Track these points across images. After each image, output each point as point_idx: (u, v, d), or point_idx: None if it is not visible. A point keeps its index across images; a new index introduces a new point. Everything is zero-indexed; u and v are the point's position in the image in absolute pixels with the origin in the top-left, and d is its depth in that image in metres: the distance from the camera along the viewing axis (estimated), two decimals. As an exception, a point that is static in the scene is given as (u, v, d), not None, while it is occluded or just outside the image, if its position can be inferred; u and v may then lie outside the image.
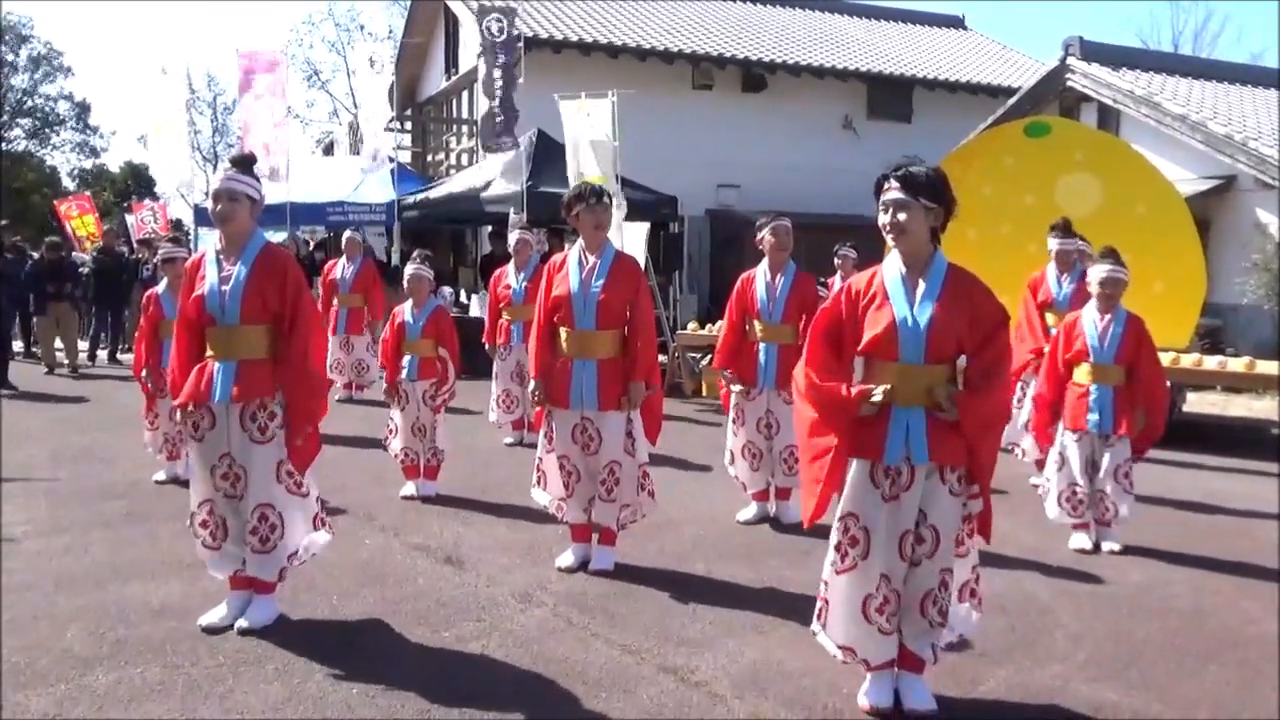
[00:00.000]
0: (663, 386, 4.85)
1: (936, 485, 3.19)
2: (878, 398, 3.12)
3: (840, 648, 3.27)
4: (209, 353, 3.86)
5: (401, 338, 6.16)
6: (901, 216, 3.14)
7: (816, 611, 3.33)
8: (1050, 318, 6.60)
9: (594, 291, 4.54)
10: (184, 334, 3.92)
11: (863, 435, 3.17)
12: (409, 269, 6.31)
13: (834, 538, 3.26)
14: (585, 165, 10.89)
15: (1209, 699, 3.47)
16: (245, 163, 3.98)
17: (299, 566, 4.07)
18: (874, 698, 3.25)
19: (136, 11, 62.72)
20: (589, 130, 11.01)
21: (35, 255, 13.31)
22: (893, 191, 3.15)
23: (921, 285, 3.19)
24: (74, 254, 15.66)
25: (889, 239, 3.21)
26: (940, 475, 3.19)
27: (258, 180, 3.96)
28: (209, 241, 4.35)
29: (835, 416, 3.19)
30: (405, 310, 6.22)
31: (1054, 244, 6.61)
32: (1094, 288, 5.25)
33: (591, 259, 4.60)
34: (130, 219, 21.03)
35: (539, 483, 4.76)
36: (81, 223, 21.02)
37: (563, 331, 4.62)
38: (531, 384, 4.71)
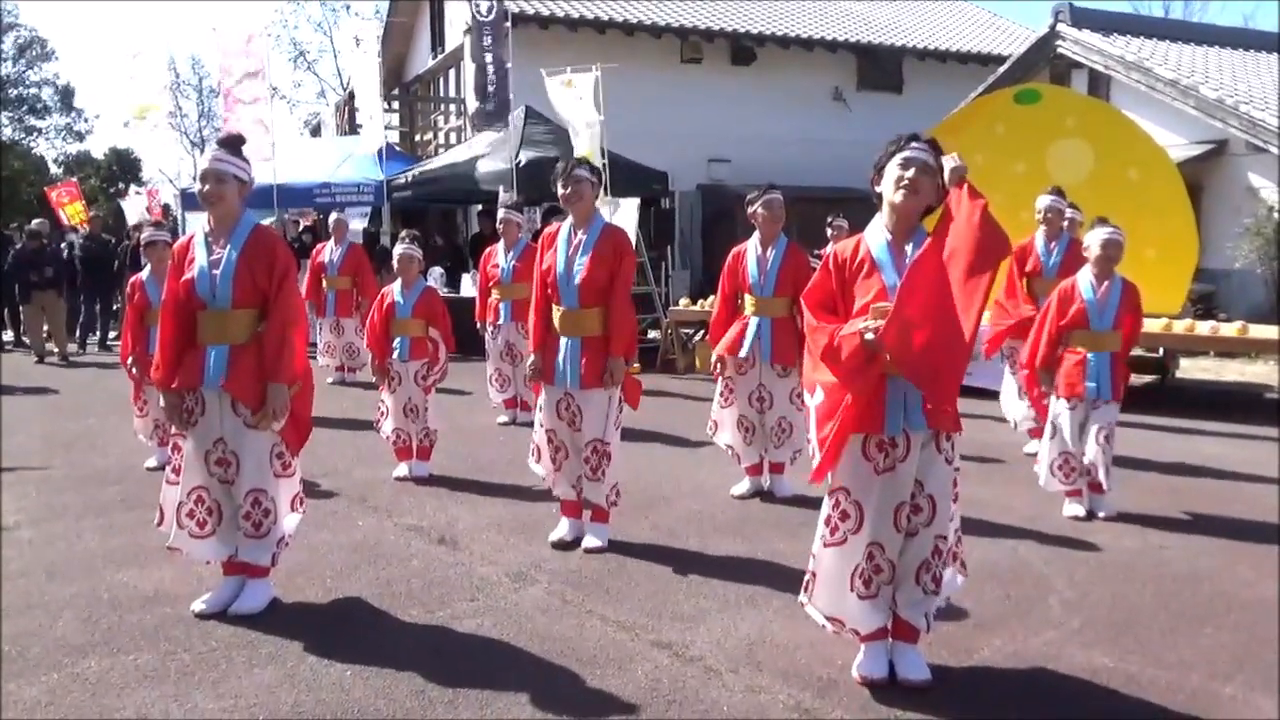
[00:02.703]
0: (656, 362, 4.83)
1: (933, 455, 3.17)
2: (869, 332, 3.03)
3: (829, 619, 3.27)
4: (200, 336, 3.81)
5: (391, 318, 6.12)
6: (923, 178, 3.11)
7: (804, 583, 3.33)
8: (1038, 287, 6.56)
9: (577, 269, 4.52)
10: (170, 318, 3.85)
11: (861, 409, 3.12)
12: (398, 249, 6.27)
13: (824, 511, 3.25)
14: (573, 138, 10.82)
15: (1204, 662, 3.47)
16: (233, 143, 3.92)
17: (286, 550, 4.05)
18: (869, 669, 3.24)
19: (119, -5, 62.05)
20: (575, 105, 10.93)
21: (19, 245, 13.20)
22: (920, 152, 3.12)
23: (909, 253, 3.16)
24: (67, 238, 15.60)
25: (898, 196, 3.12)
26: (936, 444, 3.17)
27: (246, 162, 3.90)
28: (195, 226, 4.28)
29: (851, 360, 3.09)
30: (394, 291, 6.18)
31: (1046, 199, 6.54)
32: (1094, 250, 5.19)
33: (579, 235, 4.58)
34: (124, 204, 20.95)
35: (534, 455, 4.78)
36: (73, 209, 20.96)
37: (554, 309, 4.62)
38: (531, 358, 4.70)
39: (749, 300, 5.55)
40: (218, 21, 16.78)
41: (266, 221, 12.18)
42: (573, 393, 4.55)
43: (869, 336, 3.01)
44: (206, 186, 3.77)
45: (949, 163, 3.09)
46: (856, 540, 3.18)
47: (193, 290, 3.77)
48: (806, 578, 3.32)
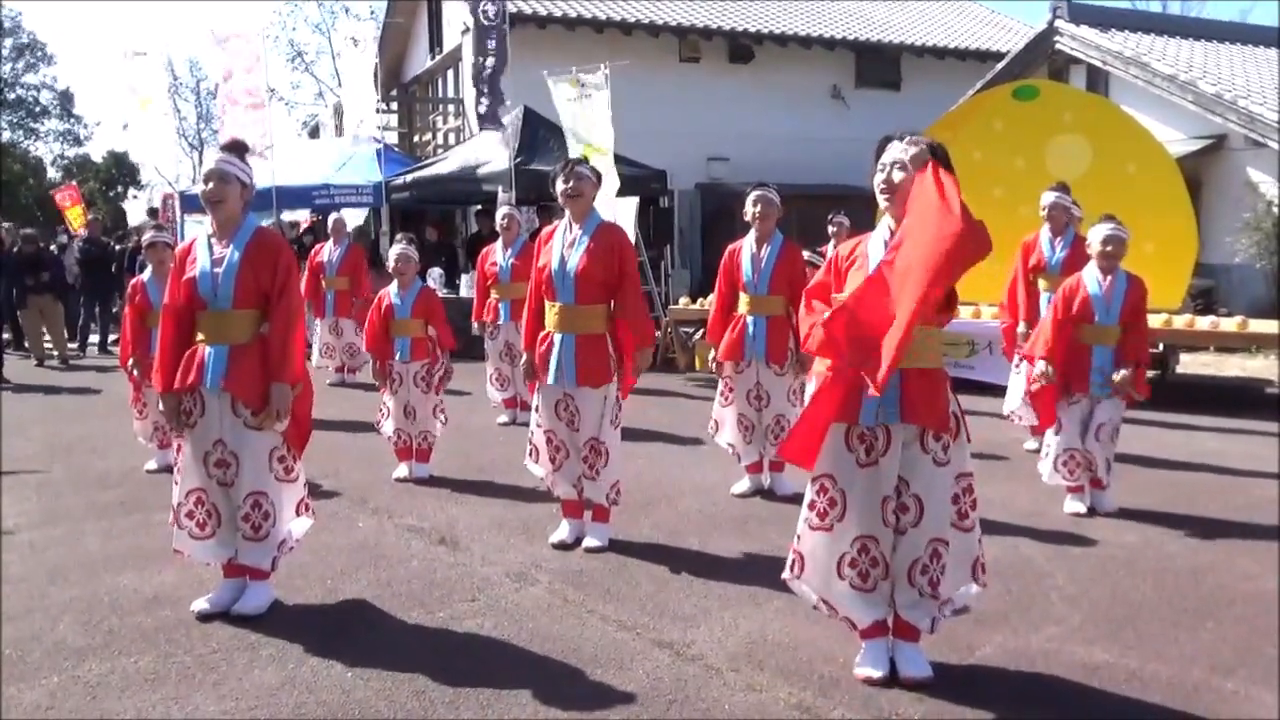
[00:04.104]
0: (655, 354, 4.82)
1: (918, 454, 3.16)
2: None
3: (821, 600, 3.28)
4: (199, 337, 3.80)
5: (390, 320, 6.12)
6: (899, 174, 3.11)
7: (790, 562, 3.33)
8: (1042, 282, 6.56)
9: (573, 264, 4.49)
10: (170, 319, 3.84)
11: (841, 397, 3.14)
12: (395, 249, 6.26)
13: (808, 496, 3.27)
14: (583, 139, 10.81)
15: (1205, 656, 3.47)
16: (236, 148, 3.94)
17: (289, 553, 4.04)
18: (870, 666, 3.24)
19: (117, -2, 61.93)
20: (582, 105, 10.91)
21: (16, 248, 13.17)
22: (896, 151, 3.13)
23: None
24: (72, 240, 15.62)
25: (883, 199, 3.17)
26: (921, 443, 3.16)
27: (249, 166, 3.92)
28: (193, 229, 4.28)
29: (822, 350, 3.13)
30: (391, 292, 6.17)
31: (1050, 195, 6.53)
32: (1095, 247, 5.21)
33: (575, 231, 4.56)
34: (126, 206, 21.01)
35: (532, 455, 4.75)
36: (74, 213, 21.06)
37: (548, 305, 4.60)
38: (525, 356, 4.71)
39: (744, 298, 5.54)
40: (215, 23, 16.77)
41: (265, 224, 12.18)
42: (571, 392, 4.54)
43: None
44: (209, 186, 3.78)
45: (910, 150, 3.03)
46: (842, 529, 3.19)
47: (194, 289, 3.77)
48: (792, 557, 3.32)
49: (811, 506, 3.25)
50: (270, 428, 3.80)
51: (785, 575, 3.35)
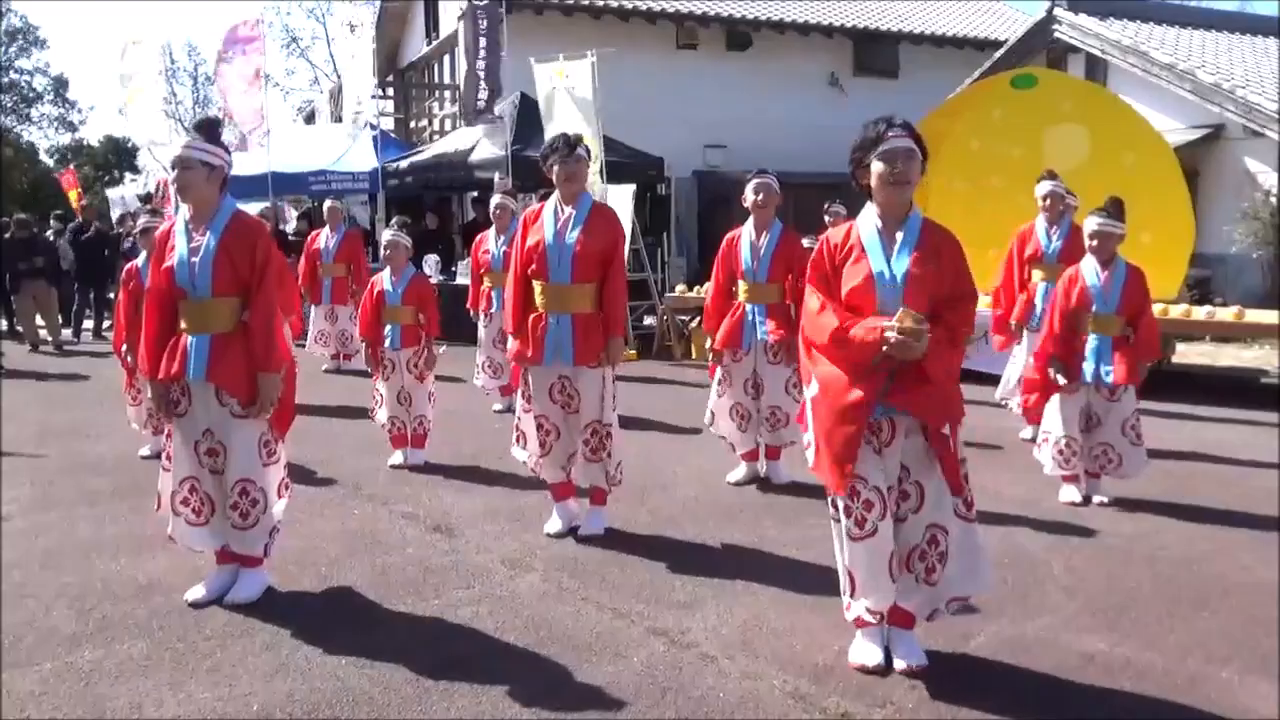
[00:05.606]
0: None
1: (918, 442, 3.15)
2: (891, 333, 2.96)
3: (871, 612, 3.22)
4: (182, 325, 3.77)
5: (382, 306, 6.09)
6: (910, 166, 3.08)
7: (843, 589, 3.24)
8: (1038, 272, 6.55)
9: (569, 243, 4.44)
10: (154, 307, 3.81)
11: (864, 402, 3.08)
12: (386, 235, 6.23)
13: (841, 503, 3.15)
14: (564, 127, 10.76)
15: (1201, 646, 3.46)
16: (206, 128, 3.86)
17: (277, 538, 4.01)
18: (865, 655, 3.23)
19: (111, -18, 61.58)
20: (568, 92, 10.86)
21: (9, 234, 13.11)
22: (902, 140, 3.08)
23: (899, 238, 3.14)
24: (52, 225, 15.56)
25: (890, 190, 3.10)
26: (923, 431, 3.14)
27: (223, 148, 3.82)
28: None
29: (866, 352, 3.03)
30: (384, 279, 6.14)
31: (1046, 185, 6.51)
32: (1086, 239, 5.21)
33: (567, 210, 4.51)
34: (111, 194, 20.91)
35: (518, 441, 4.70)
36: (71, 196, 21.09)
37: (537, 285, 4.52)
38: (510, 342, 4.65)
39: (742, 286, 5.51)
40: (212, 8, 16.67)
41: (259, 208, 12.14)
42: (568, 374, 4.49)
43: (890, 335, 2.95)
44: (173, 173, 3.74)
45: None
46: (885, 526, 3.11)
47: (172, 278, 3.73)
48: (844, 583, 3.22)
49: (848, 513, 3.13)
50: (262, 418, 3.78)
51: (844, 602, 3.27)
